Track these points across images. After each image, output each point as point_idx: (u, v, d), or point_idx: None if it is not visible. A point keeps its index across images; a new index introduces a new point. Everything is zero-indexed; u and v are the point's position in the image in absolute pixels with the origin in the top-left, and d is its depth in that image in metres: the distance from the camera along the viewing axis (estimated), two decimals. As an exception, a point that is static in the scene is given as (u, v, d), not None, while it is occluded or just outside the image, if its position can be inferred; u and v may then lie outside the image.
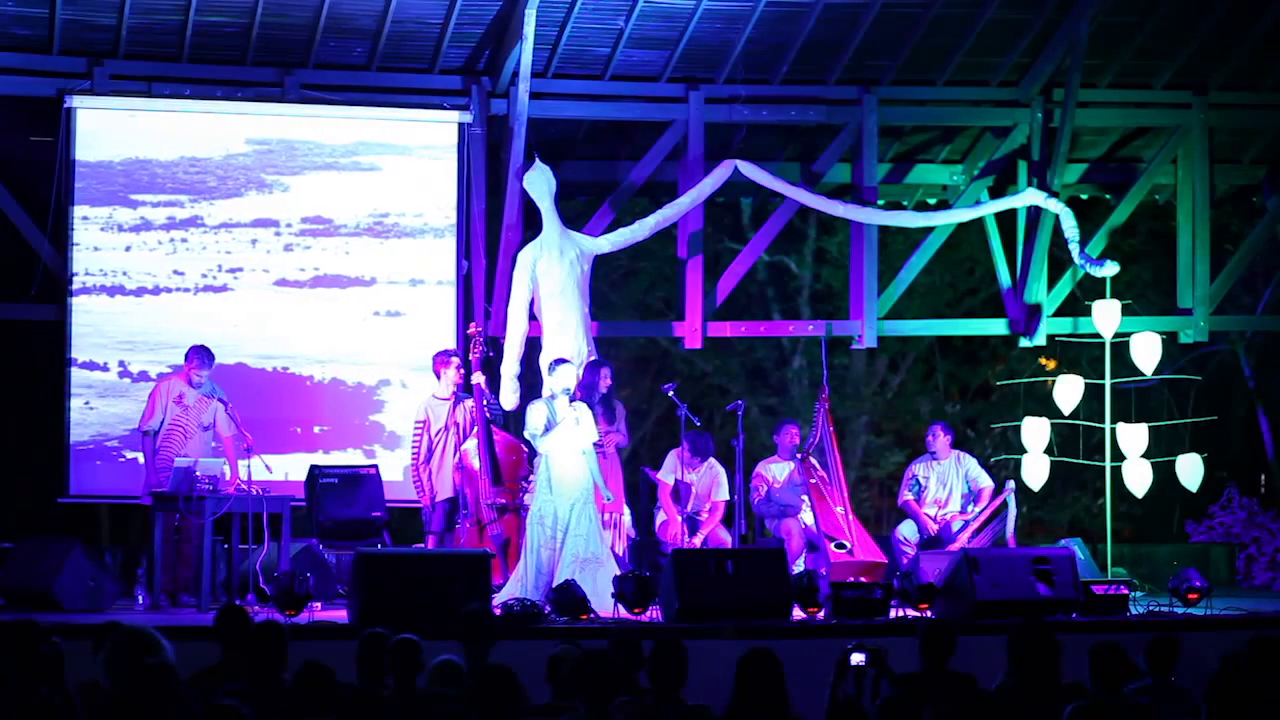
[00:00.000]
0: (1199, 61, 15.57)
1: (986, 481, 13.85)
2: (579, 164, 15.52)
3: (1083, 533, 16.56)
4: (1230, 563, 16.94)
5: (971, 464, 14.00)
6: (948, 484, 13.86)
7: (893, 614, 11.70)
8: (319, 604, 11.81)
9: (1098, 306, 15.14)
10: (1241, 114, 16.08)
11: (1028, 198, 15.31)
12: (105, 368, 13.95)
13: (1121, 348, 15.24)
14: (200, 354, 12.85)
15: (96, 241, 14.01)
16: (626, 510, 13.21)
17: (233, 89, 14.40)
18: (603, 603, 11.49)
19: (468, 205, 14.63)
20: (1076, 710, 6.57)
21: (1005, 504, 13.66)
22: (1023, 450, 15.37)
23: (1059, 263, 15.89)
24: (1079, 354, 17.91)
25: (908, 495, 13.90)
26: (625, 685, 6.96)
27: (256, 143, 14.28)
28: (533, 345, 14.05)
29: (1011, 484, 13.81)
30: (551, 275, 13.93)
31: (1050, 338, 15.76)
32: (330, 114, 14.47)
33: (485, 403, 12.93)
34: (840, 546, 13.33)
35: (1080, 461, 16.10)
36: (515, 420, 14.31)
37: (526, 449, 13.11)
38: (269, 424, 13.71)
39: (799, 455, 13.61)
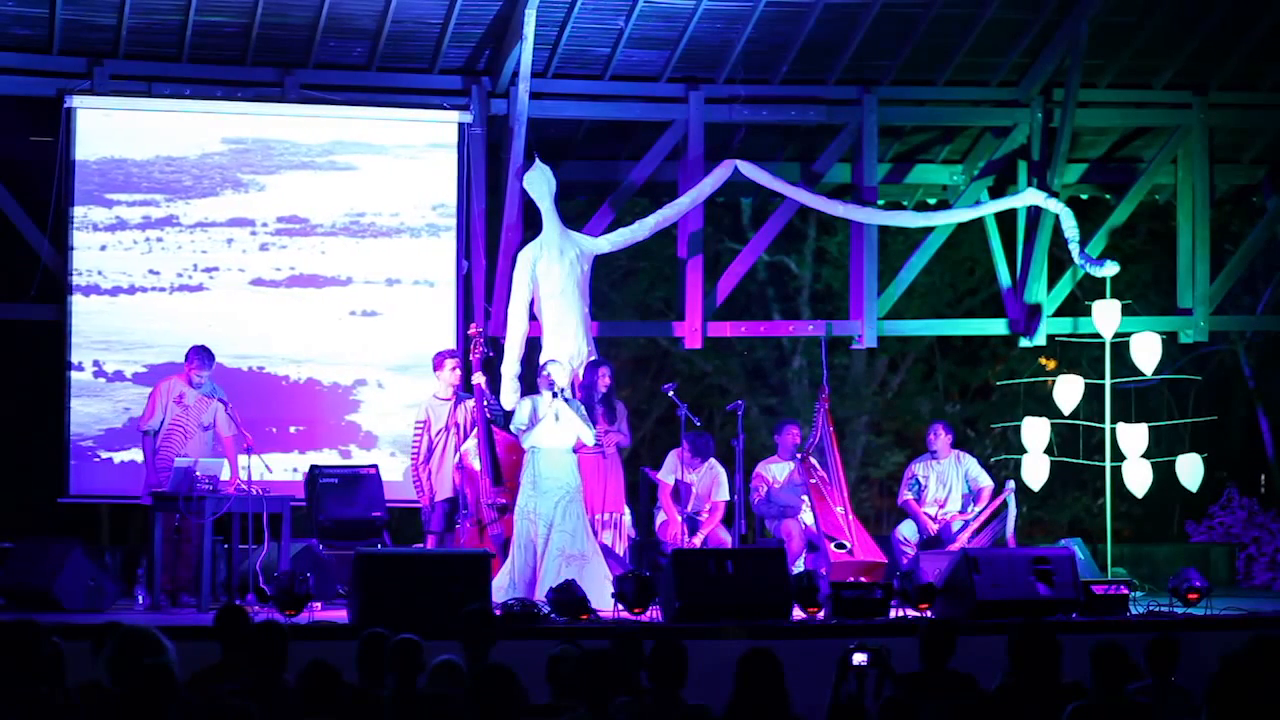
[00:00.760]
0: (1199, 61, 15.57)
1: (986, 481, 13.85)
2: (579, 164, 15.52)
3: (1083, 533, 16.57)
4: (1230, 563, 16.94)
5: (971, 464, 14.00)
6: (948, 484, 13.86)
7: (893, 614, 11.70)
8: (319, 604, 11.81)
9: (1098, 306, 15.14)
10: (1241, 114, 16.08)
11: (1028, 198, 15.31)
12: (80, 367, 13.91)
13: (1121, 348, 15.24)
14: (200, 354, 12.85)
15: (72, 241, 13.97)
16: (626, 510, 13.22)
17: (233, 89, 14.40)
18: (594, 600, 11.50)
19: (468, 205, 14.63)
20: (1077, 710, 6.58)
21: (1005, 504, 13.66)
22: (1023, 450, 15.37)
23: (1059, 263, 15.90)
24: (1079, 354, 17.91)
25: (908, 495, 13.90)
26: (625, 685, 6.95)
27: (232, 142, 14.24)
28: (533, 345, 14.05)
29: (1011, 484, 13.81)
30: (551, 275, 13.93)
31: (1050, 338, 15.76)
32: (326, 114, 14.44)
33: (485, 403, 12.93)
34: (840, 546, 13.33)
35: (1080, 461, 16.10)
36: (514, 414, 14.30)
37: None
38: (245, 424, 13.61)
39: (799, 455, 13.61)
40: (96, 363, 13.92)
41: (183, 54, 14.22)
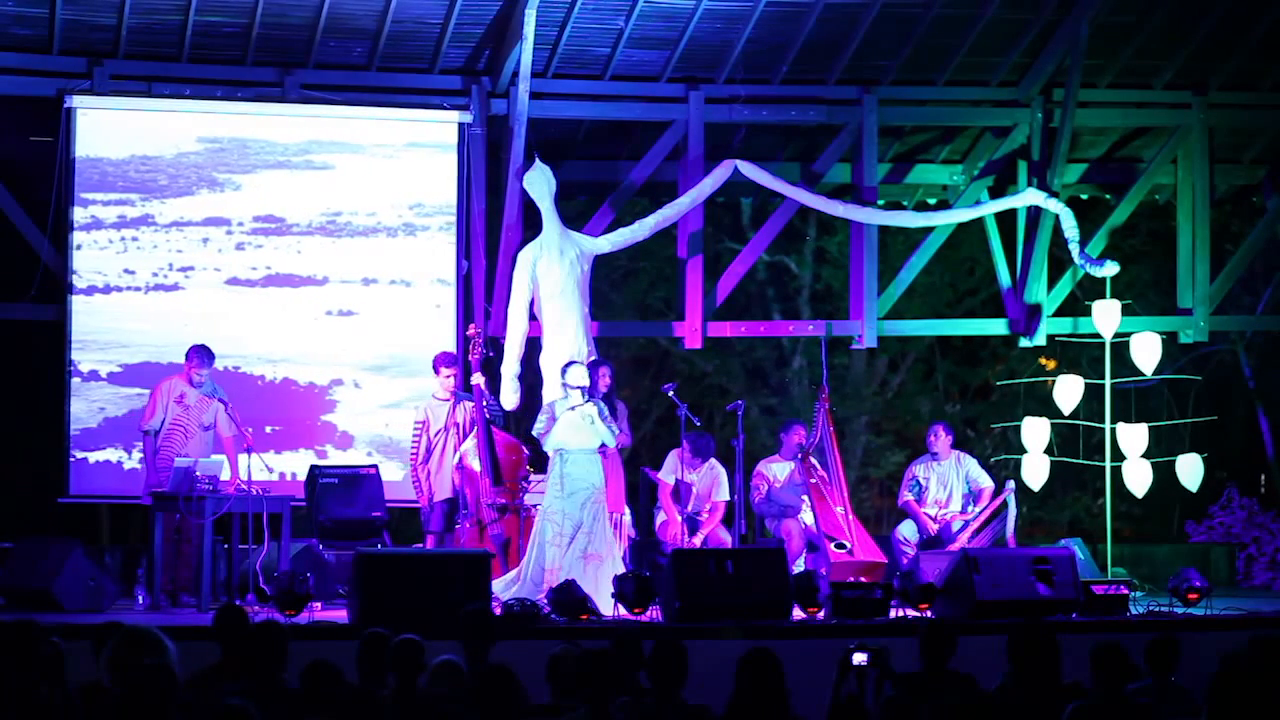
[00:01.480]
0: (1199, 61, 15.57)
1: (987, 482, 13.85)
2: (579, 164, 15.52)
3: (1083, 533, 16.56)
4: (1230, 563, 16.93)
5: (972, 464, 14.00)
6: (948, 485, 13.86)
7: (893, 614, 11.69)
8: (319, 604, 11.81)
9: (1098, 306, 15.14)
10: (1241, 114, 16.08)
11: (1028, 198, 15.31)
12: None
13: (1121, 348, 15.24)
14: (200, 353, 12.84)
15: (72, 241, 13.94)
16: (626, 510, 13.21)
17: (232, 89, 14.40)
18: (604, 600, 11.51)
19: (468, 205, 14.63)
20: (1077, 710, 6.58)
21: (1005, 504, 13.66)
22: (1023, 450, 15.37)
23: (1059, 263, 15.89)
24: (1079, 354, 17.91)
25: (908, 496, 13.90)
26: (625, 685, 6.95)
27: (208, 141, 14.20)
28: (533, 345, 14.05)
29: (1011, 484, 13.80)
30: (551, 275, 13.93)
31: (1050, 338, 15.76)
32: (326, 114, 14.44)
33: (485, 403, 12.93)
34: (840, 546, 13.33)
35: (1080, 461, 16.10)
36: (515, 420, 14.32)
37: (527, 449, 13.12)
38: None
39: (799, 455, 13.61)
40: (72, 362, 13.91)
41: (183, 54, 14.22)
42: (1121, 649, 6.93)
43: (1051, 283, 15.77)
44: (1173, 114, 15.88)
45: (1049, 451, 15.23)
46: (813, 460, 13.69)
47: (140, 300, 14.03)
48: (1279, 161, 16.61)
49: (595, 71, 14.97)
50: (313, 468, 13.35)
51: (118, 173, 14.05)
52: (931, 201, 16.69)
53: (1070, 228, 15.01)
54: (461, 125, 14.64)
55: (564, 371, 12.52)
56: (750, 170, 14.81)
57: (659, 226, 14.83)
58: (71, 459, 13.83)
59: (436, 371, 13.21)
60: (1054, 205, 15.13)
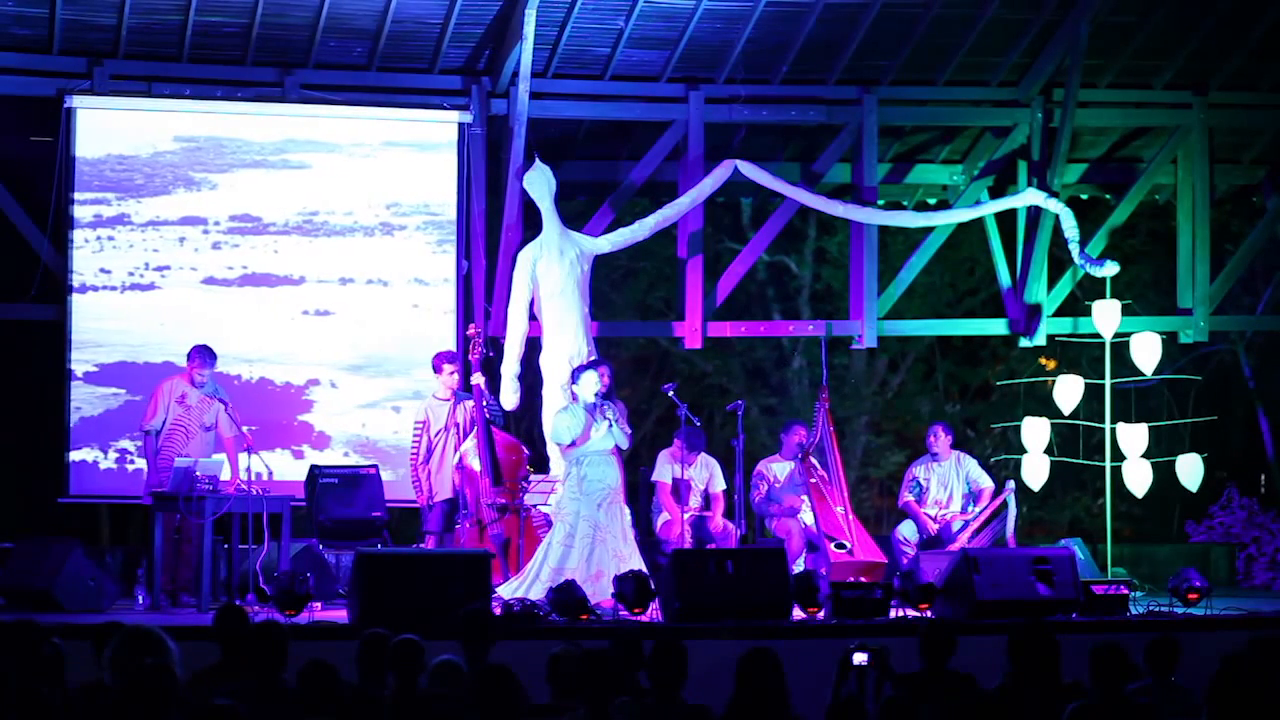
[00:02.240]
0: (1199, 61, 15.57)
1: (987, 482, 13.84)
2: (579, 164, 15.52)
3: (1083, 533, 16.57)
4: (1230, 563, 16.93)
5: (972, 465, 14.00)
6: (948, 486, 13.86)
7: (893, 614, 11.69)
8: (319, 604, 11.81)
9: (1098, 306, 15.14)
10: (1241, 114, 16.08)
11: (1028, 198, 15.31)
12: None
13: (1121, 348, 15.25)
14: (202, 353, 12.84)
15: (72, 240, 13.93)
16: (626, 510, 13.21)
17: (233, 89, 14.40)
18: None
19: (468, 205, 14.63)
20: (1076, 710, 6.58)
21: (1005, 504, 13.65)
22: (1023, 450, 15.37)
23: (1059, 263, 15.89)
24: (1079, 354, 17.91)
25: (908, 497, 13.90)
26: (625, 685, 6.95)
27: (184, 140, 14.16)
28: (533, 345, 14.05)
29: (1011, 484, 13.80)
30: (551, 275, 13.93)
31: (1050, 338, 15.76)
32: (325, 114, 14.44)
33: (485, 403, 12.93)
34: (840, 546, 13.33)
35: (1080, 461, 16.10)
36: (515, 420, 14.33)
37: (527, 449, 13.13)
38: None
39: (799, 455, 13.61)
40: (70, 362, 13.87)
41: (183, 54, 14.22)
42: (1121, 649, 6.94)
43: (1051, 283, 15.77)
44: (1173, 114, 15.88)
45: (1049, 451, 15.23)
46: (813, 460, 13.69)
47: (116, 300, 13.99)
48: (1279, 161, 16.61)
49: (595, 71, 14.97)
50: (313, 468, 13.34)
51: (93, 172, 14.01)
52: (931, 201, 16.69)
53: (1070, 228, 15.01)
54: (461, 125, 14.64)
55: (575, 377, 12.57)
56: (750, 170, 14.81)
57: (659, 226, 14.83)
58: (69, 459, 13.81)
59: (438, 370, 13.19)
60: (1054, 205, 15.13)
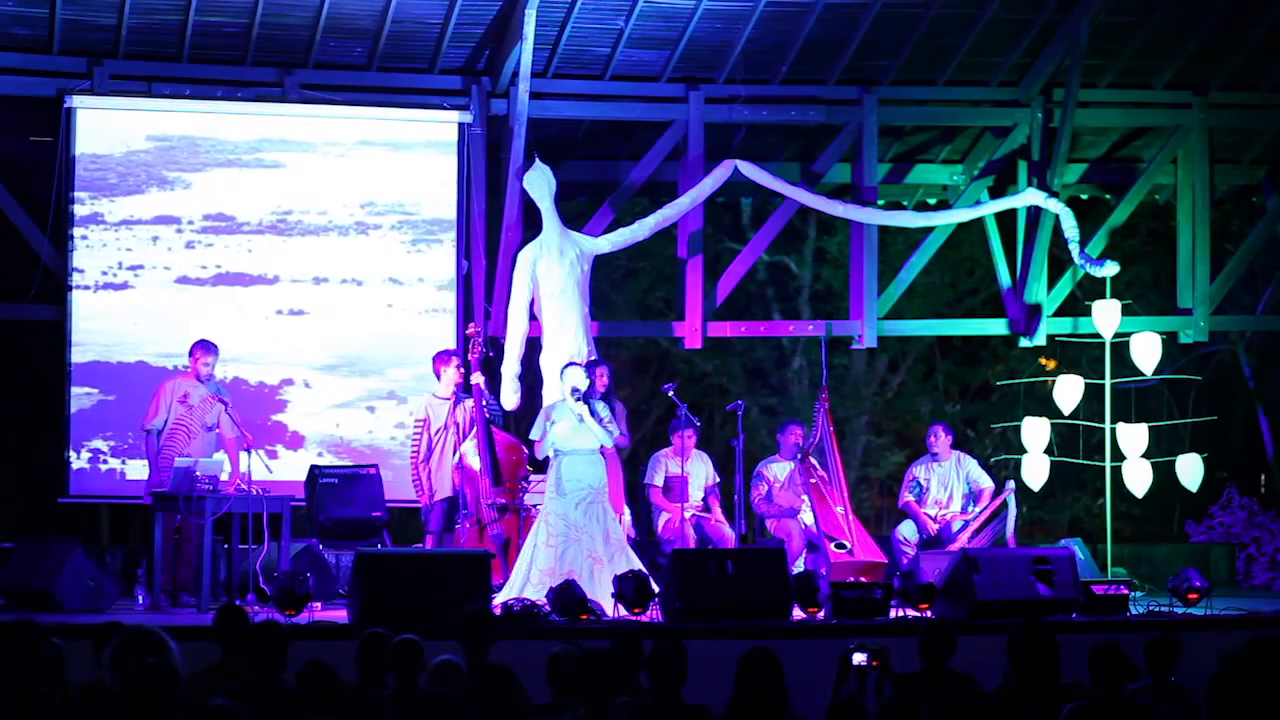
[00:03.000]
0: (1199, 61, 15.57)
1: (987, 482, 13.84)
2: (579, 164, 15.52)
3: (1083, 533, 16.56)
4: (1230, 563, 16.93)
5: (972, 465, 14.00)
6: (948, 486, 13.85)
7: (893, 614, 11.69)
8: (319, 604, 11.81)
9: (1098, 306, 15.14)
10: (1241, 114, 16.08)
11: (1028, 198, 15.31)
12: None
13: (1121, 348, 15.25)
14: (204, 346, 12.84)
15: (73, 240, 13.92)
16: (626, 510, 13.22)
17: (232, 89, 14.40)
18: (607, 602, 11.50)
19: (468, 205, 14.63)
20: (1076, 710, 6.57)
21: (1005, 504, 13.65)
22: (1023, 450, 15.37)
23: (1059, 263, 15.90)
24: (1079, 354, 17.91)
25: (908, 497, 13.90)
26: (625, 685, 6.95)
27: (158, 139, 14.12)
28: (533, 345, 14.05)
29: (1011, 484, 13.80)
30: (551, 275, 13.93)
31: (1050, 338, 15.76)
32: (326, 114, 14.44)
33: (485, 403, 12.92)
34: (840, 546, 13.33)
35: (1080, 461, 16.10)
36: (515, 420, 14.32)
37: (527, 449, 13.12)
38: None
39: (799, 455, 13.61)
40: (71, 362, 13.86)
41: (183, 54, 14.22)
42: (1121, 649, 6.93)
43: (1051, 283, 15.77)
44: (1173, 114, 15.88)
45: (1049, 451, 15.23)
46: (813, 460, 13.69)
47: (89, 299, 13.97)
48: (1279, 161, 16.61)
49: (595, 71, 14.97)
50: (313, 468, 13.35)
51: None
52: (931, 201, 16.69)
53: (1070, 228, 15.01)
54: (461, 125, 14.64)
55: (562, 373, 12.54)
56: (750, 170, 14.81)
57: (659, 226, 14.84)
58: (69, 459, 13.81)
59: (437, 369, 13.17)
60: (1054, 205, 15.13)
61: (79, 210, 13.99)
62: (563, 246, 14.02)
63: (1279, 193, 16.55)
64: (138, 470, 13.66)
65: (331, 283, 14.38)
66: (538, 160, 14.15)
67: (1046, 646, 6.91)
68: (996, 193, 15.89)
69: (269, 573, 12.01)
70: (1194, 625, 11.80)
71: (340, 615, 11.46)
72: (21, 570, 12.21)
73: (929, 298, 21.07)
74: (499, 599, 11.65)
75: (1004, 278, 15.85)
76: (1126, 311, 15.23)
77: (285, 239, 14.32)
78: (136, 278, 14.05)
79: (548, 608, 11.27)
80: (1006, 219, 15.89)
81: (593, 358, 13.68)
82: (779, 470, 13.67)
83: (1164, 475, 15.13)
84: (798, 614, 11.62)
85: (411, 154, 14.55)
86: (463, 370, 13.20)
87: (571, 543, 11.96)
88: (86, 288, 13.97)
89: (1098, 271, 15.00)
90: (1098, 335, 15.22)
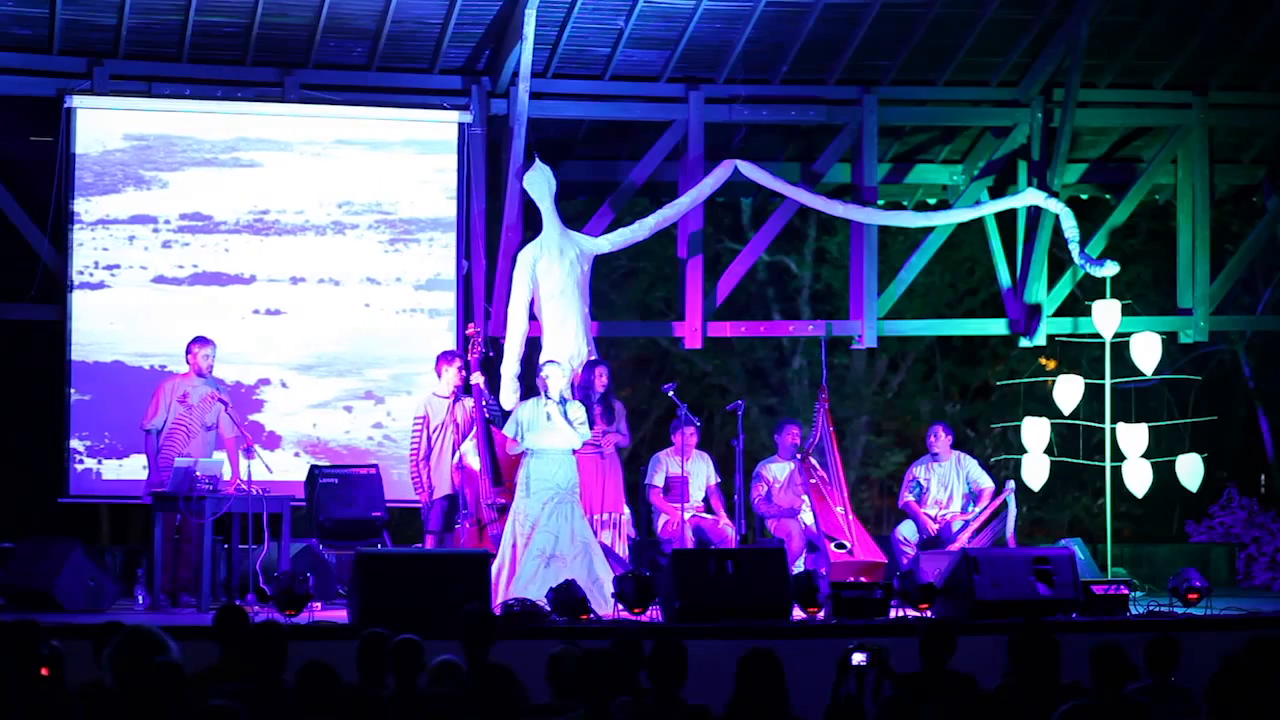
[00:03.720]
0: (1199, 61, 15.57)
1: (987, 483, 13.84)
2: (579, 164, 15.52)
3: (1083, 533, 16.57)
4: (1230, 563, 16.93)
5: (972, 465, 13.99)
6: (948, 486, 13.85)
7: (893, 614, 11.69)
8: (319, 604, 11.81)
9: (1098, 306, 15.14)
10: (1241, 114, 16.08)
11: (1028, 198, 15.31)
12: None
13: (1121, 348, 15.24)
14: (200, 340, 12.85)
15: (73, 239, 13.91)
16: (626, 510, 13.22)
17: (233, 89, 14.39)
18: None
19: (468, 205, 14.62)
20: (1075, 710, 6.57)
21: (1005, 504, 13.65)
22: (1023, 450, 15.37)
23: (1059, 263, 15.90)
24: (1079, 354, 17.91)
25: (908, 497, 13.89)
26: (625, 685, 6.95)
27: (134, 138, 14.07)
28: (533, 345, 14.04)
29: (1011, 484, 13.80)
30: (551, 275, 13.93)
31: (1050, 338, 15.76)
32: (326, 114, 14.43)
33: (484, 403, 12.92)
34: (840, 546, 13.33)
35: (1080, 461, 16.10)
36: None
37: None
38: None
39: (799, 455, 13.61)
40: (71, 362, 13.84)
41: (183, 54, 14.22)
42: (1121, 649, 6.93)
43: (1051, 283, 15.77)
44: (1173, 114, 15.88)
45: (1049, 451, 15.23)
46: (812, 460, 13.69)
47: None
48: (1279, 161, 16.61)
49: (595, 71, 14.97)
50: (313, 468, 13.35)
51: (42, 170, 14.01)
52: (931, 201, 16.69)
53: (1070, 228, 15.01)
54: (461, 125, 14.64)
55: (540, 369, 12.58)
56: (750, 170, 14.81)
57: (659, 226, 14.83)
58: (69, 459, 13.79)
59: (439, 368, 13.15)
60: (1054, 205, 15.12)
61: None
62: (563, 246, 14.02)
63: (1279, 193, 16.55)
64: (113, 470, 13.70)
65: (309, 282, 14.33)
66: (538, 160, 14.15)
67: (1046, 646, 6.91)
68: (996, 193, 15.89)
69: (269, 573, 12.01)
70: (1194, 625, 11.80)
71: (340, 615, 11.47)
72: (21, 570, 12.20)
73: (929, 298, 21.08)
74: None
75: (1004, 278, 15.85)
76: (1126, 311, 15.23)
77: (262, 239, 14.26)
78: (113, 277, 14.00)
79: (548, 608, 11.27)
80: (1006, 219, 15.89)
81: (593, 358, 13.69)
82: (778, 470, 13.67)
83: (1164, 475, 15.13)
84: (798, 614, 11.63)
85: (389, 153, 14.51)
86: (463, 370, 13.20)
87: (533, 542, 11.96)
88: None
89: (1098, 271, 15.00)
90: (1098, 335, 15.22)
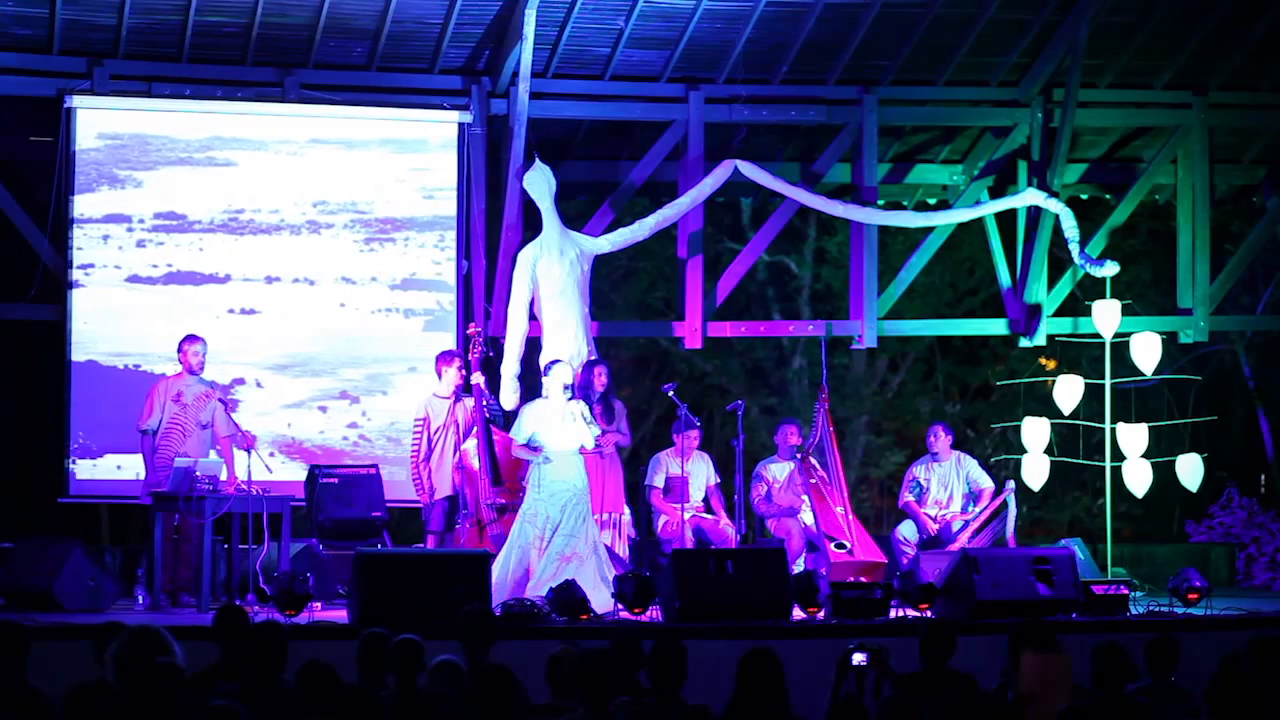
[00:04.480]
0: (1199, 61, 15.57)
1: (987, 483, 13.84)
2: (579, 164, 15.52)
3: (1083, 533, 16.57)
4: (1230, 563, 16.93)
5: (972, 465, 13.99)
6: (948, 486, 13.85)
7: (893, 614, 11.69)
8: (319, 604, 11.81)
9: (1098, 306, 15.14)
10: (1241, 114, 16.08)
11: (1028, 198, 15.31)
12: None
13: (1121, 348, 15.24)
14: (190, 338, 12.84)
15: (73, 239, 13.89)
16: (626, 510, 13.22)
17: (233, 89, 14.39)
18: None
19: (468, 205, 14.62)
20: (1076, 710, 6.58)
21: (1005, 504, 13.65)
22: (1023, 450, 15.37)
23: (1059, 263, 15.90)
24: (1079, 354, 17.91)
25: (908, 497, 13.89)
26: (625, 685, 6.95)
27: (109, 137, 14.03)
28: (533, 345, 14.05)
29: (1011, 484, 13.80)
30: (551, 275, 13.93)
31: (1050, 338, 15.76)
32: (326, 114, 14.43)
33: (485, 403, 12.92)
34: (840, 546, 13.33)
35: (1080, 461, 16.10)
36: (515, 420, 14.30)
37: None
38: (120, 423, 13.48)
39: (799, 455, 13.61)
40: (71, 362, 13.81)
41: (183, 54, 14.22)
42: (1123, 649, 6.94)
43: (1051, 283, 15.77)
44: (1173, 114, 15.88)
45: (1049, 451, 15.23)
46: (813, 460, 13.69)
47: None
48: (1279, 161, 16.61)
49: (595, 71, 14.97)
50: (312, 468, 13.35)
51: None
52: (931, 201, 16.69)
53: (1070, 228, 15.01)
54: (461, 125, 14.64)
55: (546, 370, 12.52)
56: (750, 170, 14.81)
57: (659, 226, 14.84)
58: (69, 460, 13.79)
59: (439, 369, 13.14)
60: (1054, 205, 15.13)
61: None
62: (563, 246, 14.02)
63: (1279, 193, 16.55)
64: (86, 470, 13.70)
65: (284, 282, 14.28)
66: (538, 160, 14.15)
67: (1045, 647, 6.91)
68: (996, 193, 15.89)
69: (269, 573, 12.01)
70: (1194, 625, 11.80)
71: (340, 615, 11.46)
72: (21, 570, 12.20)
73: (929, 298, 21.08)
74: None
75: (1004, 278, 15.85)
76: (1126, 311, 15.23)
77: (237, 238, 14.22)
78: (87, 276, 13.96)
79: (548, 608, 11.27)
80: (1006, 219, 15.89)
81: (592, 358, 13.69)
82: (778, 470, 13.67)
83: (1164, 475, 15.12)
84: (798, 614, 11.62)
85: (365, 152, 14.47)
86: (463, 371, 13.20)
87: (552, 544, 11.94)
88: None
89: (1098, 271, 15.00)
90: (1098, 335, 15.22)
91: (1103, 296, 15.23)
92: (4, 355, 15.45)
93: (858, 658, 7.02)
